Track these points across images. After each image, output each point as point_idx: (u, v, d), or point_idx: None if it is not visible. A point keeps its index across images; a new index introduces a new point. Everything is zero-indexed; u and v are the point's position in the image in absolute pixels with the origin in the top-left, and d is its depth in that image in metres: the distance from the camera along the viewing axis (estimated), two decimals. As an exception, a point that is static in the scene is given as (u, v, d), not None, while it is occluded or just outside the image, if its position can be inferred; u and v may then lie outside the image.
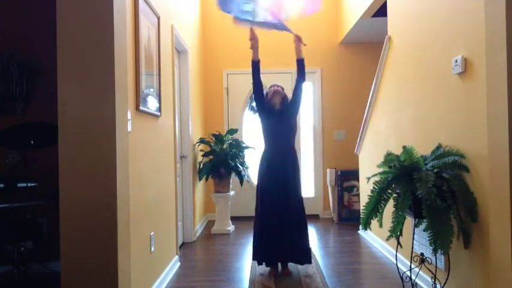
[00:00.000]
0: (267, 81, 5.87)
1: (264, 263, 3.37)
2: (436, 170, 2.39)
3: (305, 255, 3.33)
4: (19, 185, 3.16)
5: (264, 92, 3.57)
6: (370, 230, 2.66)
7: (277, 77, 5.86)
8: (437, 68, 2.76)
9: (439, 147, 2.63)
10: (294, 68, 5.81)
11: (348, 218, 5.39)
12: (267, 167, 3.36)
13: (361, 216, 2.57)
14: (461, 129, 2.44)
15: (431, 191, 2.19)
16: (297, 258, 3.32)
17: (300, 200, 3.35)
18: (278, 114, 3.41)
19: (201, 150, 5.10)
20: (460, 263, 2.47)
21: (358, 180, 4.98)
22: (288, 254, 3.30)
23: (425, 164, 2.46)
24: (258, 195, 3.41)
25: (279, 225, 3.26)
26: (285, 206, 3.26)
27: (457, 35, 2.50)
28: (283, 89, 3.57)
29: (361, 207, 2.60)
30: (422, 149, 2.70)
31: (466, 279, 2.42)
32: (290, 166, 3.34)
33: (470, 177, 2.34)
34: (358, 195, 5.17)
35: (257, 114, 3.57)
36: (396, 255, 2.71)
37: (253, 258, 3.39)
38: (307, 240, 3.36)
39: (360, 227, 2.58)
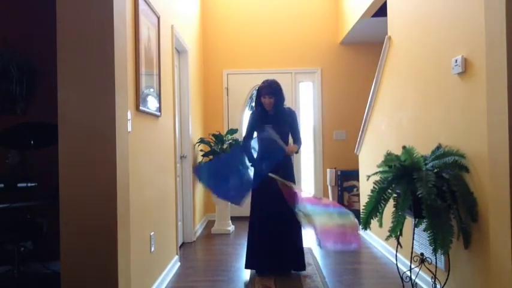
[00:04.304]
0: (267, 81, 5.74)
1: (255, 270, 3.37)
2: (436, 170, 2.38)
3: (298, 263, 3.31)
4: (19, 185, 3.16)
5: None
6: (370, 230, 2.66)
7: (277, 77, 5.85)
8: (437, 68, 2.76)
9: (439, 147, 2.63)
10: (293, 68, 5.85)
11: (348, 218, 5.38)
12: (260, 173, 3.32)
13: (361, 216, 2.57)
14: (461, 129, 2.44)
15: (432, 191, 2.19)
16: (290, 266, 3.30)
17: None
18: (271, 120, 3.36)
19: (201, 150, 5.09)
20: (460, 263, 2.47)
21: (358, 180, 4.98)
22: (280, 264, 3.27)
23: (426, 164, 2.46)
24: (252, 204, 3.40)
25: (270, 234, 3.25)
26: (278, 213, 3.22)
27: (457, 35, 2.50)
28: (277, 85, 3.37)
29: (361, 207, 2.60)
30: (422, 149, 2.70)
31: (466, 279, 2.42)
32: (284, 173, 3.30)
33: (470, 177, 2.34)
34: (358, 195, 5.17)
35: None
36: (396, 255, 2.71)
37: (245, 267, 3.38)
38: (301, 248, 3.33)
39: (360, 227, 2.58)
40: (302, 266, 3.31)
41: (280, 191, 3.14)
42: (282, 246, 3.25)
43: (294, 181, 3.37)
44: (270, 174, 3.16)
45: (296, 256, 3.29)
